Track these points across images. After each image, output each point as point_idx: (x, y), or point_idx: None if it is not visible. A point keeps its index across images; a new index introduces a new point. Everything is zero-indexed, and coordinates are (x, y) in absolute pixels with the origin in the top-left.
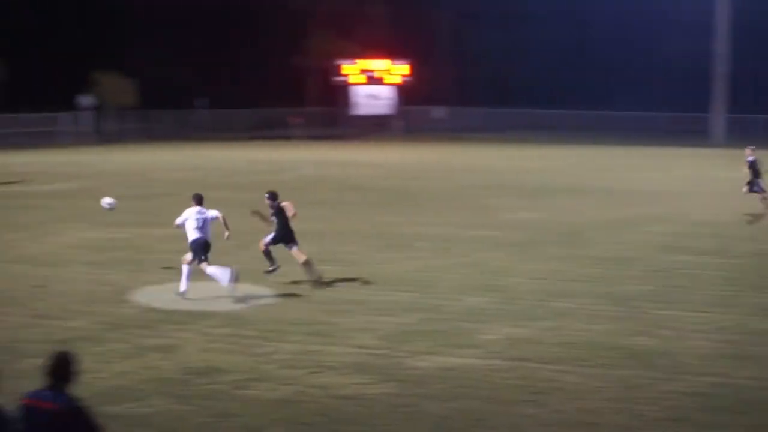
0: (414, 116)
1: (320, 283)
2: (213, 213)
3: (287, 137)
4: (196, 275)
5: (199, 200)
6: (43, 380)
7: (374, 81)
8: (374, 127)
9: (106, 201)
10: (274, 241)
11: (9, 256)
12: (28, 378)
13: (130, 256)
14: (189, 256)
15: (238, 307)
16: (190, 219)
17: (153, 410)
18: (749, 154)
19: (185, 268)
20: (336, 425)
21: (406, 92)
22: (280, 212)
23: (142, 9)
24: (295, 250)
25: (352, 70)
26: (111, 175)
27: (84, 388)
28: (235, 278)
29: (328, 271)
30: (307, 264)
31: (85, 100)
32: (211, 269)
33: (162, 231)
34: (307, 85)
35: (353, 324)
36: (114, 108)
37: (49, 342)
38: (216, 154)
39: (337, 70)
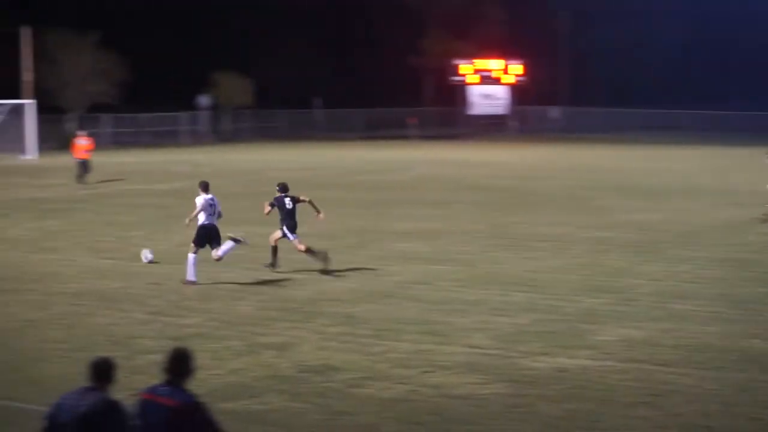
0: (529, 116)
1: (271, 267)
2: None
3: (403, 137)
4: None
5: (205, 187)
6: (160, 376)
7: (489, 81)
8: (489, 127)
9: (146, 255)
10: (292, 231)
11: (125, 254)
12: (144, 374)
13: (243, 254)
14: (193, 246)
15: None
16: (205, 205)
17: (268, 407)
18: None
19: (191, 258)
20: (449, 425)
21: (521, 92)
22: (282, 205)
23: (260, 10)
24: (276, 234)
25: (467, 70)
26: (227, 174)
27: (200, 384)
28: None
29: (444, 271)
30: (275, 251)
31: (204, 100)
32: (221, 251)
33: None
34: (423, 85)
35: (467, 324)
36: (231, 108)
37: (165, 339)
38: (331, 154)
39: (453, 70)
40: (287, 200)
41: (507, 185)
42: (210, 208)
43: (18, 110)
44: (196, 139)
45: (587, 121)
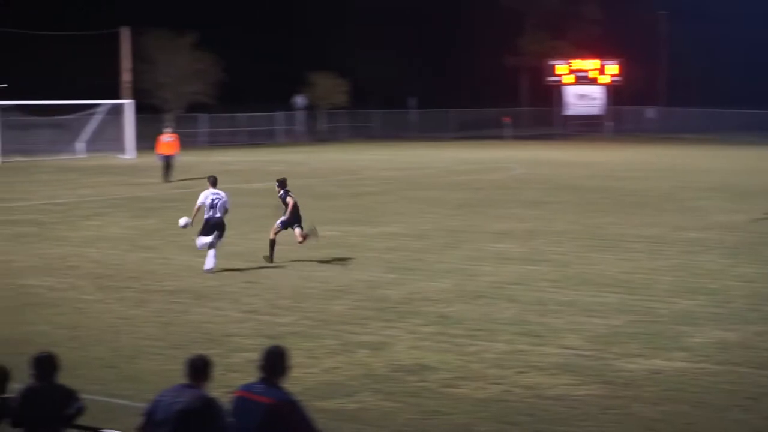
0: (625, 116)
1: (315, 235)
2: (224, 196)
3: (498, 137)
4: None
5: (214, 182)
6: (256, 374)
7: (585, 81)
8: (585, 127)
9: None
10: (284, 225)
11: (220, 252)
12: (240, 372)
13: (340, 253)
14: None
15: (448, 306)
16: (206, 200)
17: (362, 406)
18: None
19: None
20: (543, 425)
21: (617, 92)
22: (285, 202)
23: (355, 11)
24: (297, 230)
25: (563, 69)
26: (322, 174)
27: (295, 382)
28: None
29: (538, 271)
30: (306, 237)
31: (300, 100)
32: (210, 253)
33: (373, 229)
34: (519, 85)
35: (562, 324)
36: (327, 108)
37: (260, 337)
38: (426, 154)
39: (549, 70)
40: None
41: (602, 186)
42: (212, 201)
43: (117, 110)
44: (292, 138)
45: (683, 121)
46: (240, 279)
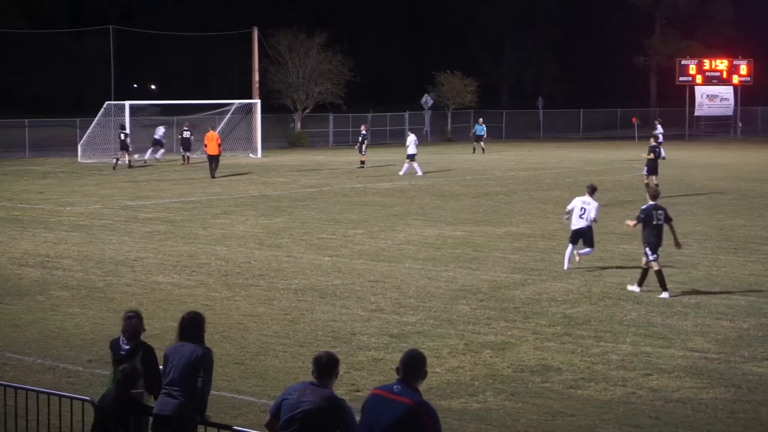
0: (755, 117)
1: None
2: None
3: (626, 137)
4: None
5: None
6: (382, 373)
7: (715, 81)
8: (714, 128)
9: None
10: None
11: (347, 251)
12: (364, 370)
13: (466, 253)
14: None
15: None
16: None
17: (486, 406)
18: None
19: None
20: (667, 428)
21: (748, 93)
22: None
23: (485, 11)
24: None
25: (693, 70)
26: (451, 174)
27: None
28: None
29: (664, 273)
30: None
31: (428, 99)
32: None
33: (500, 229)
34: (648, 85)
35: (688, 327)
36: (455, 107)
37: (385, 336)
38: (553, 154)
39: (680, 71)
40: None
41: (732, 187)
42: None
43: (247, 109)
44: (421, 138)
45: None
46: (366, 278)
